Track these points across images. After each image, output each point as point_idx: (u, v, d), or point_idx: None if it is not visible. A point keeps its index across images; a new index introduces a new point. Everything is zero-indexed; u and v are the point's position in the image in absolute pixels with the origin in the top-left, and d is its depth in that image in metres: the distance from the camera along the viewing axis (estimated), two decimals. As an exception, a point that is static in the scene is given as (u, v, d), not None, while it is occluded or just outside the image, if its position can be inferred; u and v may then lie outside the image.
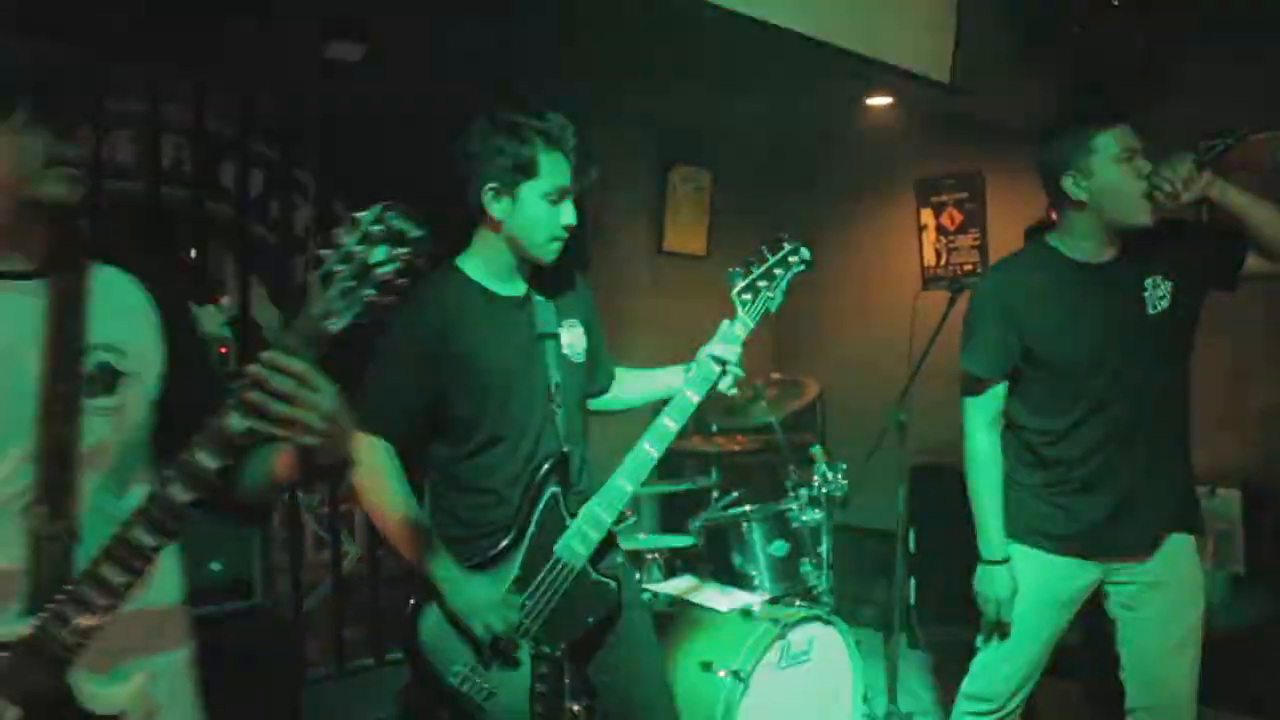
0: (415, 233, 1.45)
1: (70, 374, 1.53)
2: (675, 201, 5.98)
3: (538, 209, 2.41)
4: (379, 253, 1.42)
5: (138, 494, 1.53)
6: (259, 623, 3.64)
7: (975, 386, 2.82)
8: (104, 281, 1.63)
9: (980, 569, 2.81)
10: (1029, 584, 2.78)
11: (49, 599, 1.44)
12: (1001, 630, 2.81)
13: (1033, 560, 2.79)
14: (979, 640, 2.90)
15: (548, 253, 2.47)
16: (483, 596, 2.38)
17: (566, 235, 2.46)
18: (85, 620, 1.43)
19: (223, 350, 4.40)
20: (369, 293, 1.43)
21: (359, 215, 1.44)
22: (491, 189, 2.40)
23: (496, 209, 2.42)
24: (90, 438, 1.54)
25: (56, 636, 1.43)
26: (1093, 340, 2.69)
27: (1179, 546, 2.74)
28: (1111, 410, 2.69)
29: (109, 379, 1.58)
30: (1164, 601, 2.73)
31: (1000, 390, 2.80)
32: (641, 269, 5.87)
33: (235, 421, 1.42)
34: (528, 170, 2.39)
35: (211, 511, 1.59)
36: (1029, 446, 2.79)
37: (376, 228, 1.43)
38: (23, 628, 1.43)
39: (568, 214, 2.44)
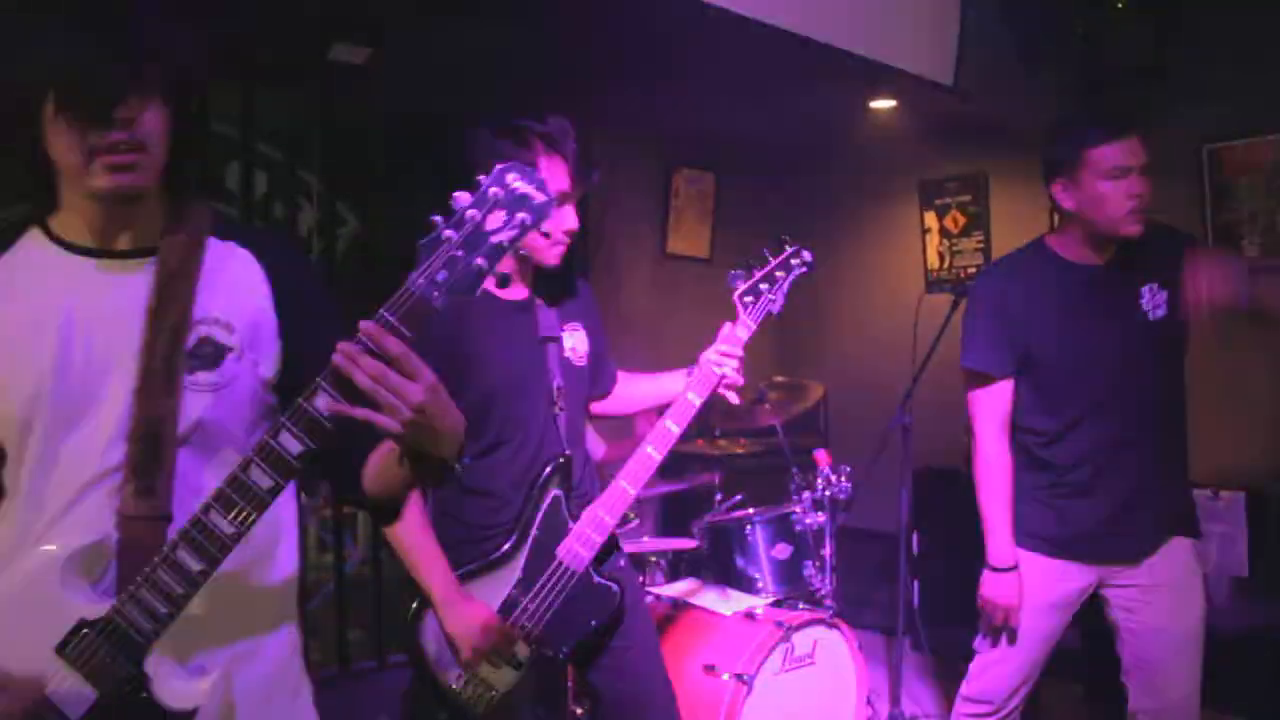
0: (539, 196, 1.37)
1: (170, 350, 1.48)
2: (679, 204, 5.99)
3: None
4: (496, 218, 1.35)
5: None
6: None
7: (980, 386, 2.81)
8: (217, 257, 1.58)
9: (987, 576, 2.80)
10: (1025, 586, 2.78)
11: (132, 581, 1.39)
12: (1001, 634, 2.81)
13: (1028, 563, 2.79)
14: (976, 642, 2.90)
15: (549, 257, 2.47)
16: (478, 621, 2.34)
17: (568, 240, 2.45)
18: (159, 605, 1.38)
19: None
20: (479, 263, 1.35)
21: (479, 178, 1.36)
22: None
23: None
24: (190, 415, 1.49)
25: (133, 620, 1.39)
26: (1087, 342, 2.70)
27: (1176, 550, 2.74)
28: (1107, 414, 2.70)
29: (212, 355, 1.52)
30: (1163, 605, 2.73)
31: (1006, 390, 2.79)
32: (645, 272, 5.88)
33: (321, 402, 1.36)
34: None
35: (348, 500, 1.54)
36: (1024, 448, 2.80)
37: (496, 190, 1.36)
38: (106, 606, 1.40)
39: (569, 218, 2.44)
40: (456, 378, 2.42)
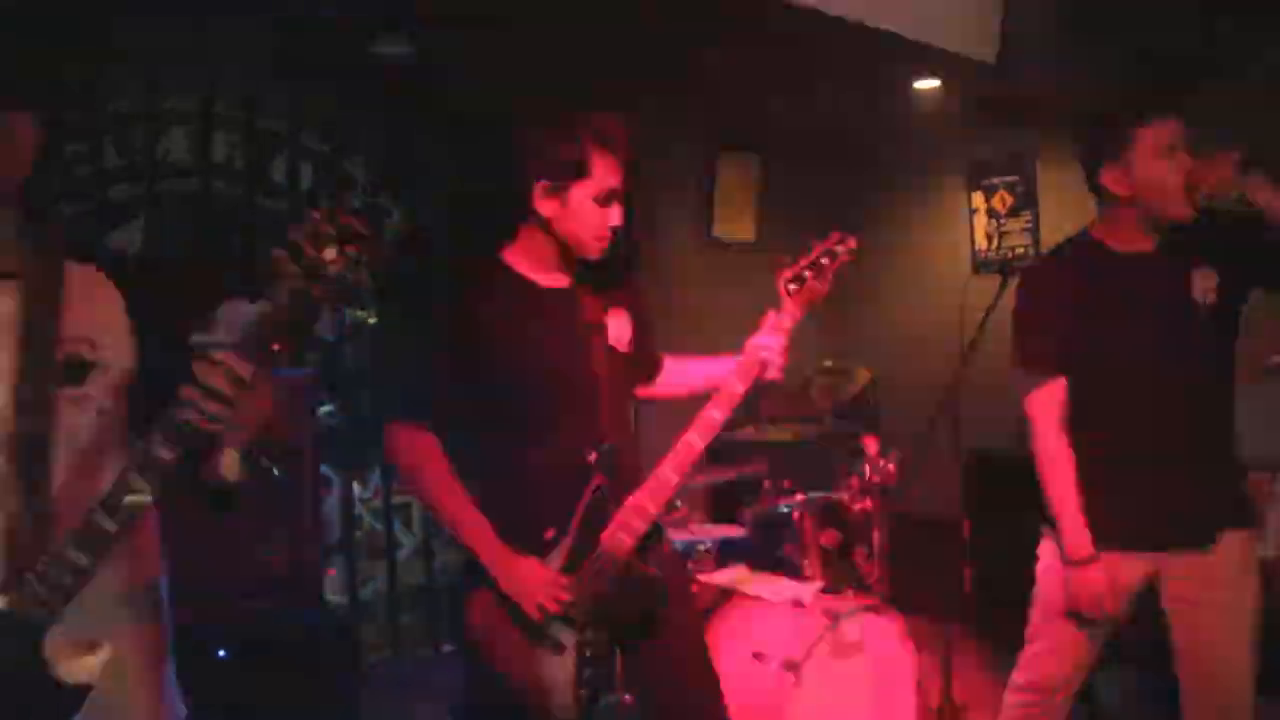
0: (364, 231, 1.50)
1: (42, 366, 1.63)
2: (724, 188, 5.97)
3: (587, 210, 2.42)
4: (330, 252, 1.48)
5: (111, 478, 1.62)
6: (316, 616, 3.69)
7: (1035, 383, 2.76)
8: (76, 278, 1.72)
9: (1071, 574, 2.71)
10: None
11: (24, 579, 1.54)
12: (1054, 622, 2.77)
13: None
14: (1029, 630, 2.87)
15: (593, 251, 2.47)
16: (534, 577, 2.38)
17: (612, 235, 2.46)
18: (52, 597, 1.53)
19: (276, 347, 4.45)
20: (320, 292, 1.49)
21: (312, 212, 1.50)
22: (542, 187, 2.41)
23: (546, 207, 2.43)
24: (63, 426, 1.65)
25: (28, 613, 1.53)
26: (1138, 333, 2.65)
27: (1231, 541, 2.69)
28: (1158, 404, 2.65)
29: (79, 369, 1.67)
30: (1218, 596, 2.67)
31: (1061, 385, 2.74)
32: (690, 256, 5.87)
33: (186, 415, 1.51)
34: (579, 171, 2.39)
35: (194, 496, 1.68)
36: (1076, 440, 2.75)
37: (328, 226, 1.48)
38: None
39: (615, 215, 2.44)
40: (498, 366, 2.45)
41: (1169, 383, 2.65)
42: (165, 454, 1.51)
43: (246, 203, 4.51)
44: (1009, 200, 5.73)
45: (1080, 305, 2.69)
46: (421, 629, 4.79)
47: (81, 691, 1.58)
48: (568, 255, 2.51)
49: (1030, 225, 5.63)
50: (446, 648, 4.60)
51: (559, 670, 2.42)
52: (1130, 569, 2.71)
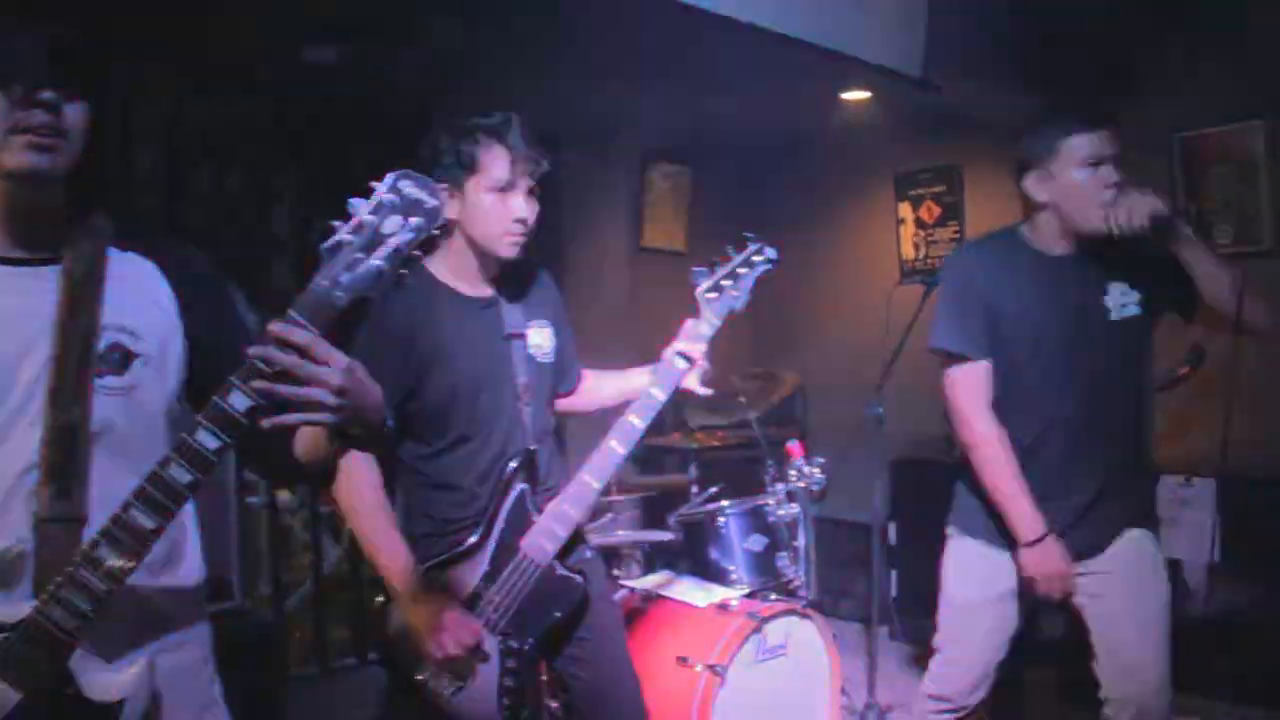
0: (431, 201, 1.45)
1: (81, 355, 1.52)
2: (654, 198, 6.00)
3: (484, 203, 2.44)
4: (392, 222, 1.43)
5: None
6: (239, 624, 3.65)
7: (958, 368, 2.76)
8: (121, 266, 1.63)
9: (1025, 554, 2.68)
10: (972, 578, 2.80)
11: (52, 581, 1.42)
12: (959, 630, 2.82)
13: (974, 553, 2.81)
14: (936, 640, 2.92)
15: (504, 246, 2.48)
16: (440, 617, 2.36)
17: (522, 229, 2.47)
18: (82, 603, 1.41)
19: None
20: (378, 264, 1.43)
21: (374, 184, 1.44)
22: (444, 189, 2.42)
23: (450, 209, 2.45)
24: (99, 418, 1.53)
25: (55, 619, 1.41)
26: (1052, 331, 2.70)
27: (1136, 538, 2.75)
28: (1069, 405, 2.70)
29: (120, 360, 1.57)
30: (1126, 590, 2.72)
31: (984, 369, 2.74)
32: (621, 266, 5.89)
33: (236, 400, 1.41)
34: (470, 166, 2.42)
35: (271, 476, 1.60)
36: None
37: (390, 196, 1.44)
38: (24, 609, 1.42)
39: (518, 206, 2.45)
40: (419, 375, 2.46)
41: (1081, 386, 2.70)
42: (210, 442, 1.41)
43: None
44: (936, 211, 5.83)
45: (994, 294, 2.73)
46: (347, 639, 4.75)
47: (113, 710, 1.47)
48: (487, 262, 2.53)
49: (957, 236, 5.73)
50: (372, 657, 4.56)
51: (481, 678, 2.43)
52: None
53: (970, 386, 2.76)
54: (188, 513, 1.69)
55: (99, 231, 1.63)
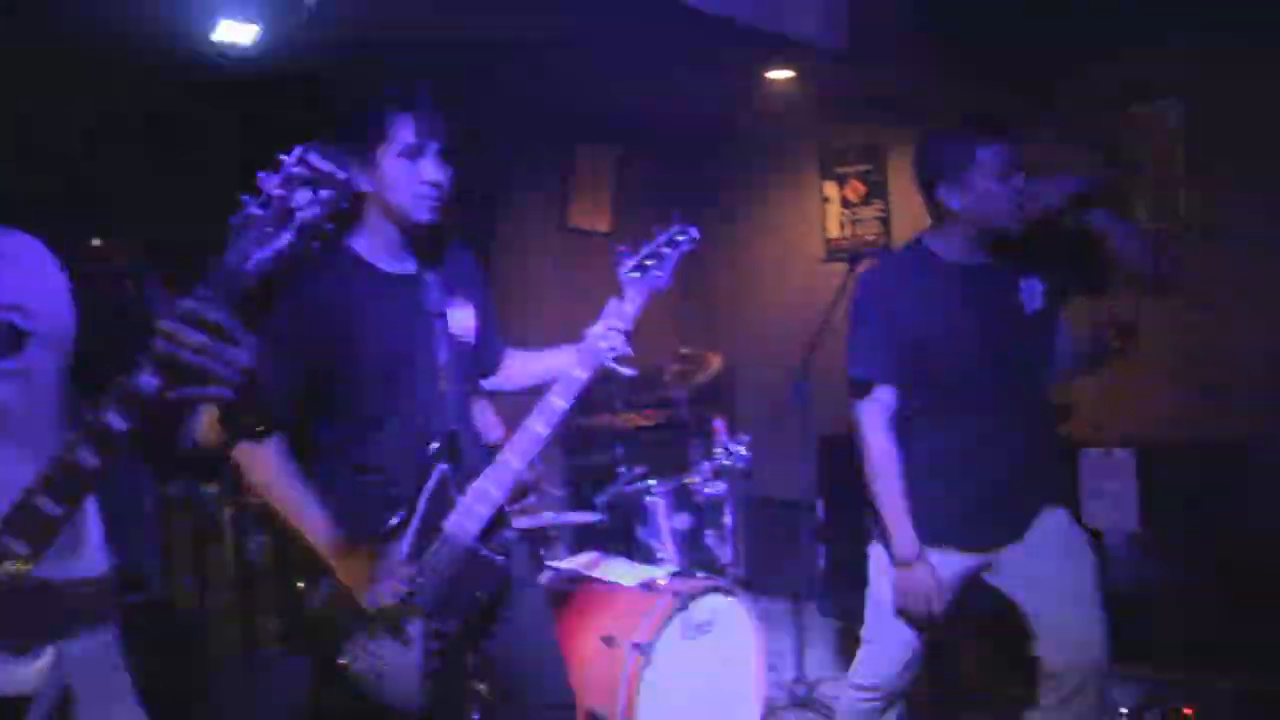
0: (340, 173, 1.44)
1: None
2: (580, 179, 5.98)
3: (395, 168, 2.42)
4: (301, 195, 1.41)
5: None
6: (160, 616, 3.59)
7: (866, 393, 2.80)
8: (12, 245, 1.58)
9: (899, 575, 2.75)
10: (891, 580, 2.80)
11: None
12: (885, 622, 2.83)
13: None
14: (862, 631, 2.93)
15: (420, 211, 2.45)
16: (372, 567, 2.36)
17: (436, 192, 2.44)
18: None
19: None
20: (288, 238, 1.41)
21: (281, 157, 1.42)
22: (358, 163, 2.40)
23: (367, 182, 2.43)
24: None
25: None
26: (971, 341, 2.73)
27: (1054, 516, 2.80)
28: (987, 407, 2.74)
29: (12, 339, 1.52)
30: (1060, 567, 2.76)
31: (888, 394, 2.78)
32: (547, 246, 5.87)
33: (144, 380, 1.36)
34: (379, 136, 2.41)
35: (160, 469, 1.56)
36: (902, 437, 2.80)
37: (298, 169, 1.42)
38: None
39: (429, 170, 2.43)
40: (337, 353, 2.42)
41: (998, 390, 2.74)
42: (118, 423, 1.35)
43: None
44: (861, 189, 5.87)
45: (911, 313, 2.75)
46: (273, 625, 4.69)
47: (19, 704, 1.43)
48: (406, 233, 2.50)
49: (882, 214, 5.78)
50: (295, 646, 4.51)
51: (405, 659, 2.41)
52: (955, 562, 2.78)
53: (870, 410, 2.80)
54: (90, 501, 1.64)
55: None
